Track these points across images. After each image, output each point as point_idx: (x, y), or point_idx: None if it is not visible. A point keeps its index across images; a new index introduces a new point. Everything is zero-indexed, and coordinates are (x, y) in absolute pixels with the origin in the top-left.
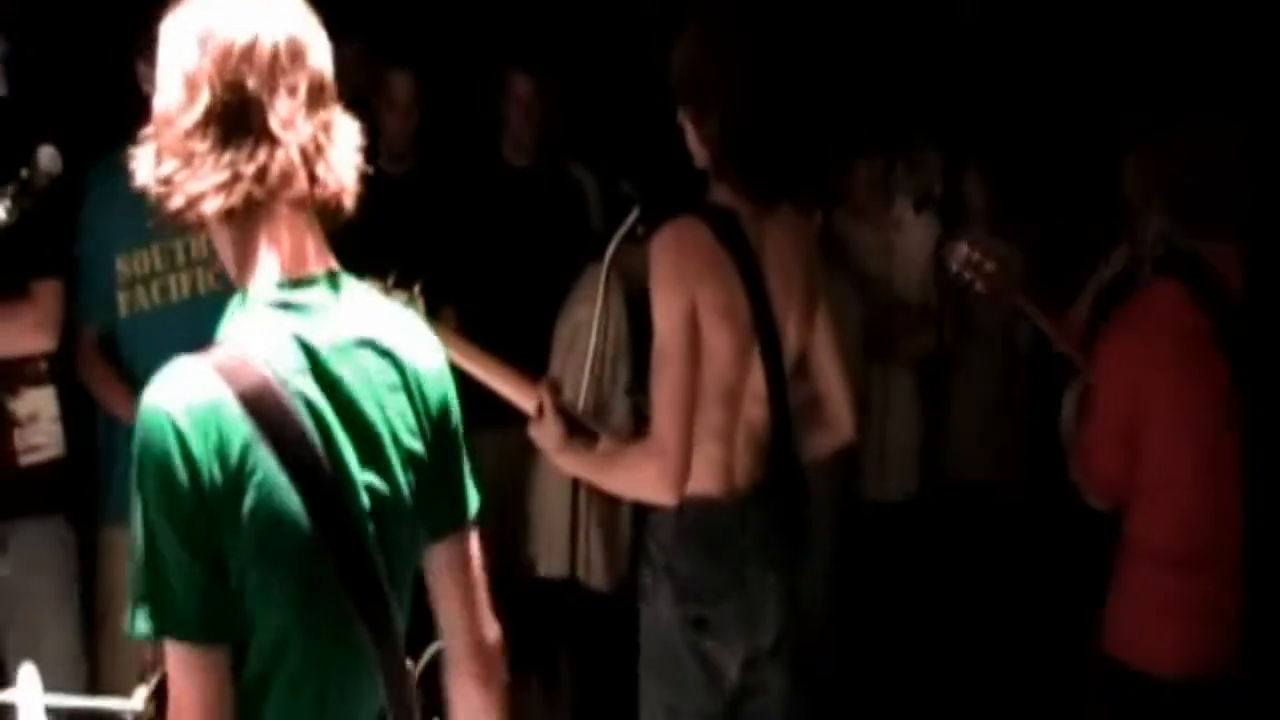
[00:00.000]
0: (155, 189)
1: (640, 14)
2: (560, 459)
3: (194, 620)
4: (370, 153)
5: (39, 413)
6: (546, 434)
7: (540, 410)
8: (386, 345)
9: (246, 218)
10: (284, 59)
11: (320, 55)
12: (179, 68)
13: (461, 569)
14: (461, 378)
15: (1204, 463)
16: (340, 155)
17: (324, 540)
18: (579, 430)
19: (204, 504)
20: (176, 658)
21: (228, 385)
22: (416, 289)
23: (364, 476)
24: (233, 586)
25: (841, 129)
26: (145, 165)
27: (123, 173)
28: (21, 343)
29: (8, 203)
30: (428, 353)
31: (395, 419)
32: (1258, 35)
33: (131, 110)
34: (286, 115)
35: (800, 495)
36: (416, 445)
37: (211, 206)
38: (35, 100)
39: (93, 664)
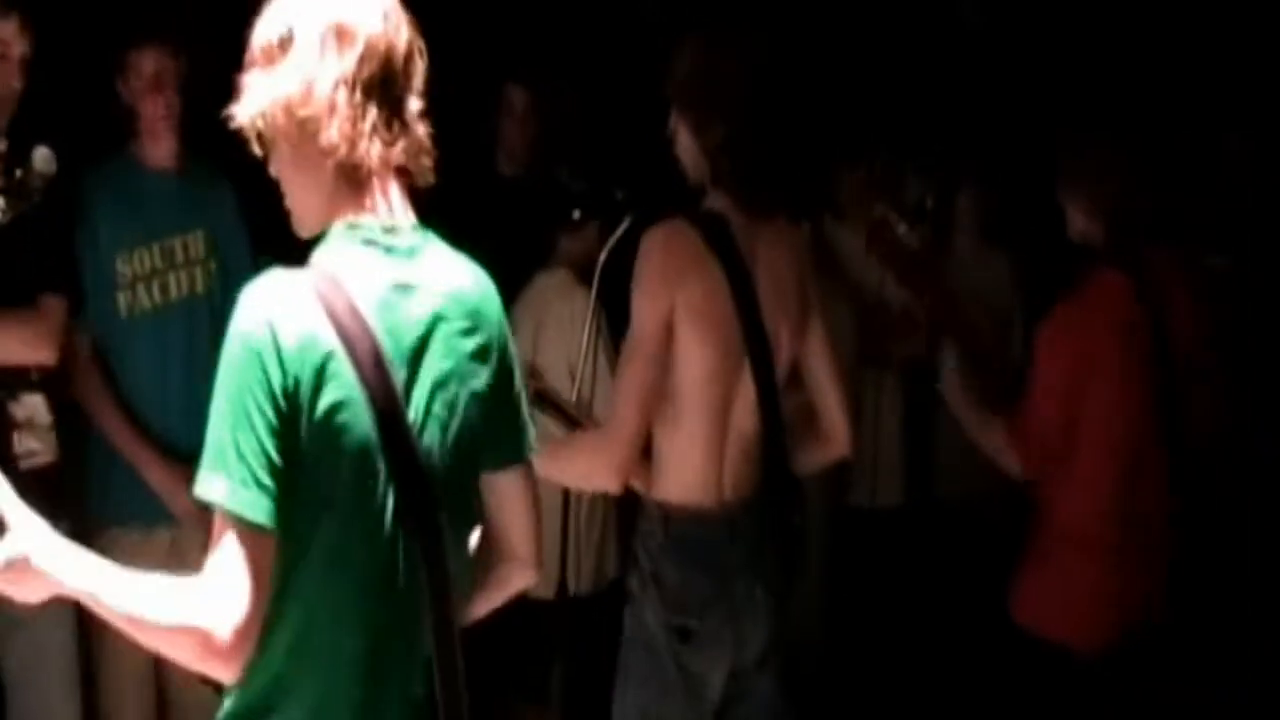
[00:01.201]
0: (279, 120)
1: (639, 22)
2: None
3: (256, 502)
4: None
5: (34, 418)
6: None
7: (571, 425)
8: (461, 290)
9: (356, 175)
10: (415, 54)
11: (424, 60)
12: (337, 23)
13: (524, 491)
14: None
15: (1131, 440)
16: (428, 143)
17: (386, 457)
18: (558, 416)
19: (287, 398)
20: (231, 531)
21: (319, 300)
22: None
23: (432, 406)
24: (300, 481)
25: (832, 137)
26: (264, 88)
27: (120, 173)
28: (23, 354)
29: (1, 203)
30: (494, 303)
31: (464, 359)
32: (1256, 46)
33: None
34: (415, 103)
35: (793, 507)
36: (483, 385)
37: (339, 158)
38: (30, 101)
39: (90, 665)
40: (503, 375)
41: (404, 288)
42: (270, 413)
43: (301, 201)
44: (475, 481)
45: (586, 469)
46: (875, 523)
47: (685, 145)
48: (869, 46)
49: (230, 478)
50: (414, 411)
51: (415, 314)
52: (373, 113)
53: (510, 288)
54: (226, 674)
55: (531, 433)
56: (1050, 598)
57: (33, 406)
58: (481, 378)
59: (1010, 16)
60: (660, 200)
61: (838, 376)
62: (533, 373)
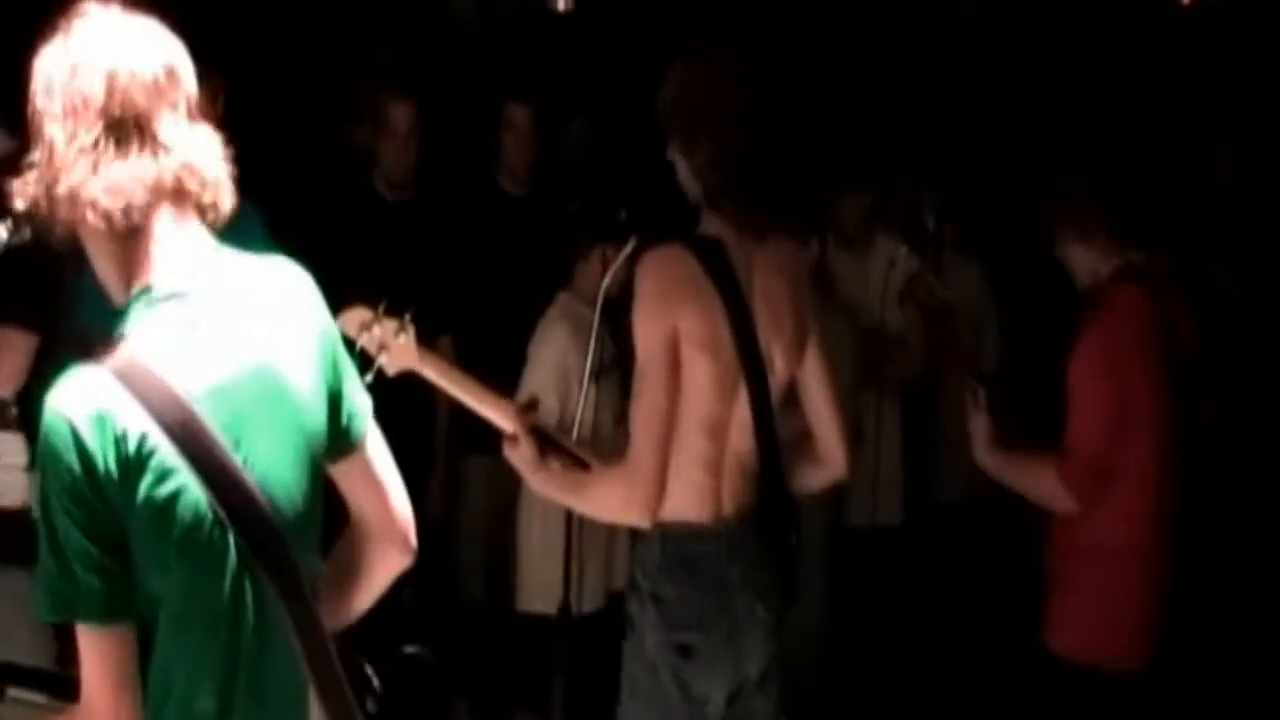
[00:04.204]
0: (49, 204)
1: (641, 42)
2: (534, 479)
3: (99, 602)
4: (368, 179)
5: (5, 457)
6: (520, 454)
7: (514, 431)
8: (267, 306)
9: (136, 226)
10: (163, 79)
11: (189, 77)
12: (68, 93)
13: (371, 470)
14: (454, 405)
15: (1163, 453)
16: (214, 164)
17: (224, 517)
18: (556, 450)
19: (102, 496)
20: (84, 637)
21: (122, 385)
22: (407, 317)
23: (260, 443)
24: (135, 567)
25: (830, 161)
26: (34, 185)
27: None
28: None
29: (9, 223)
30: (307, 299)
31: (284, 381)
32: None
33: None
34: (171, 127)
35: (789, 526)
36: (309, 393)
37: (112, 212)
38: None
39: None
40: (327, 370)
41: (204, 338)
42: (83, 512)
43: (103, 273)
44: (320, 486)
45: (617, 508)
46: (875, 542)
47: (679, 167)
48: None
49: (55, 586)
50: (244, 454)
51: (227, 357)
52: (125, 164)
53: (518, 314)
54: None
55: (364, 410)
56: (1097, 623)
57: (6, 445)
58: (306, 387)
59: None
60: (665, 222)
61: (835, 399)
62: (530, 405)
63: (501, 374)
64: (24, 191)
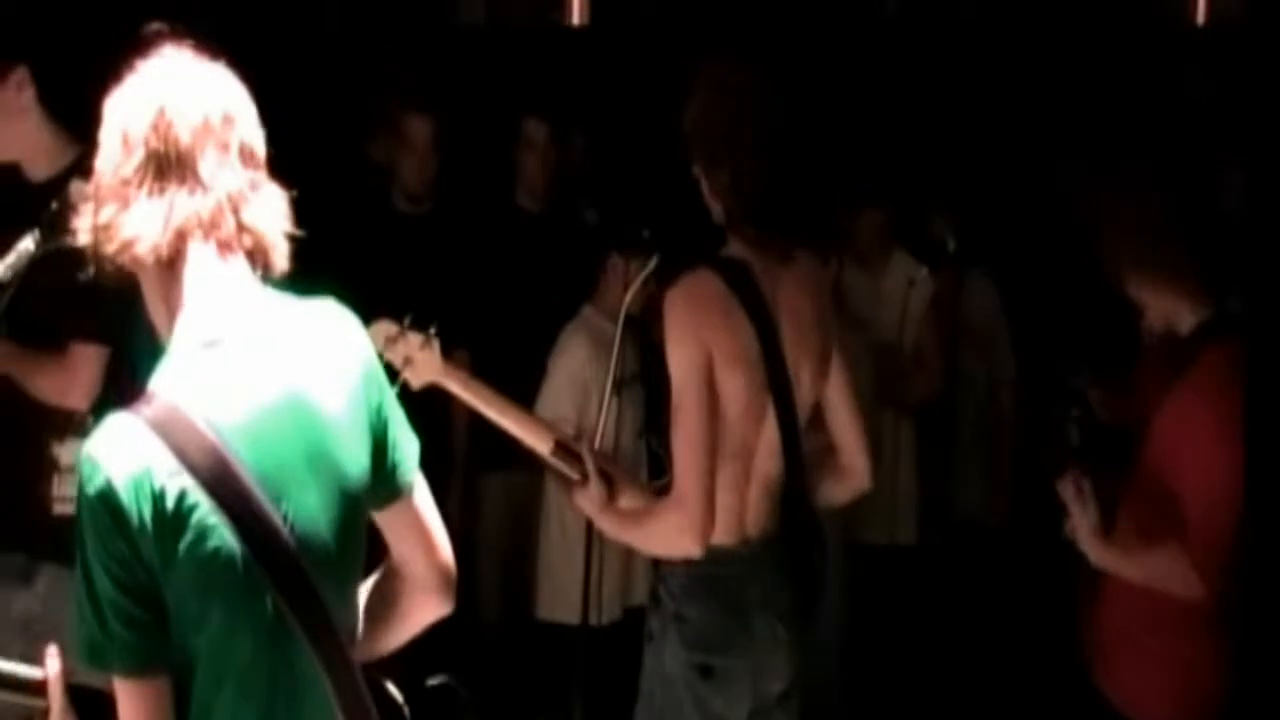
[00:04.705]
0: (94, 235)
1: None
2: (600, 519)
3: (133, 654)
4: (387, 194)
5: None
6: (590, 497)
7: (584, 474)
8: (311, 350)
9: (177, 261)
10: (215, 120)
11: (250, 126)
12: (120, 127)
13: (416, 518)
14: (472, 420)
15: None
16: (268, 213)
17: (261, 572)
18: (578, 465)
19: (137, 552)
20: (121, 689)
21: (160, 438)
22: (432, 330)
23: (304, 494)
24: (171, 620)
25: (846, 179)
26: (85, 217)
27: None
28: (54, 398)
29: (37, 234)
30: (352, 341)
31: (329, 426)
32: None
33: None
34: (215, 166)
35: (814, 545)
36: (354, 440)
37: (144, 246)
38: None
39: None
40: (372, 416)
41: (245, 384)
42: (119, 567)
43: (150, 306)
44: (362, 533)
45: (667, 543)
46: (891, 560)
47: (703, 186)
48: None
49: (92, 636)
50: (285, 507)
51: (267, 406)
52: (162, 200)
53: (537, 330)
54: None
55: (410, 457)
56: (1183, 685)
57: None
58: (350, 435)
59: (1011, 43)
60: (687, 238)
61: (857, 412)
62: (553, 425)
63: (517, 387)
64: (81, 224)
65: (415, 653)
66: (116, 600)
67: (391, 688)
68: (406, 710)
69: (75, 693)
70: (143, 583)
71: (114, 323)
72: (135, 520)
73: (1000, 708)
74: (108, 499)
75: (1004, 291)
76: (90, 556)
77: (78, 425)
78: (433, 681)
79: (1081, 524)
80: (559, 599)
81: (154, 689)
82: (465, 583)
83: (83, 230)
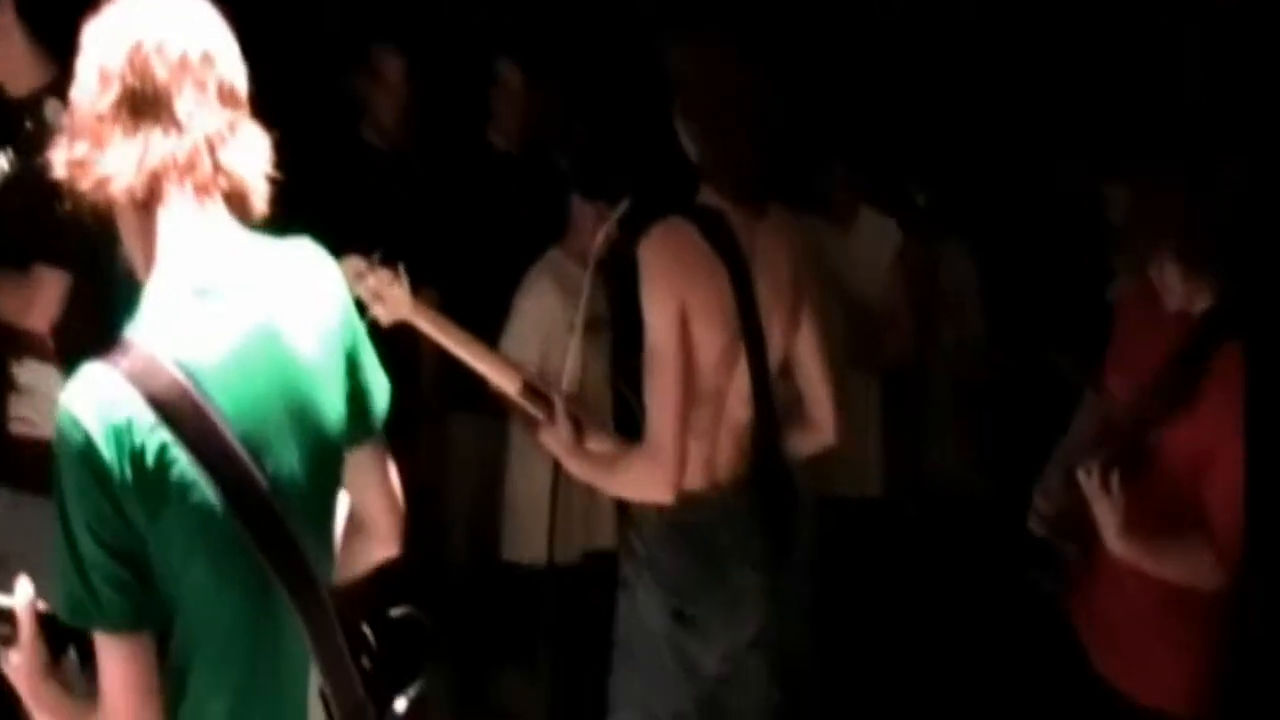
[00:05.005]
0: (68, 170)
1: (639, 13)
2: (569, 462)
3: (115, 611)
4: (360, 130)
5: (37, 388)
6: (558, 438)
7: (552, 415)
8: (289, 293)
9: (152, 203)
10: (194, 58)
11: (231, 64)
12: (96, 60)
13: (378, 463)
14: (440, 359)
15: None
16: (247, 155)
17: (242, 526)
18: (546, 407)
19: (118, 506)
20: (103, 645)
21: (138, 390)
22: (401, 267)
23: (282, 439)
24: (154, 575)
25: (820, 138)
26: (60, 151)
27: None
28: (14, 318)
29: (10, 153)
30: (329, 283)
31: (307, 370)
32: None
33: None
34: (193, 106)
35: (784, 494)
36: (331, 391)
37: (119, 186)
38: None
39: None
40: (348, 356)
41: (223, 329)
42: (100, 525)
43: (128, 245)
44: (339, 481)
45: (639, 488)
46: (857, 512)
47: (682, 136)
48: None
49: (74, 593)
50: (266, 458)
51: (246, 356)
52: (136, 139)
53: (504, 270)
54: None
55: (382, 401)
56: (1192, 668)
57: (40, 375)
58: (328, 377)
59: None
60: (661, 184)
61: (827, 367)
62: (522, 365)
63: (483, 328)
64: (56, 157)
65: (381, 596)
66: (99, 558)
67: (358, 622)
68: (373, 643)
69: (45, 621)
70: (125, 540)
71: (84, 253)
72: (117, 477)
73: (962, 661)
74: (88, 456)
75: (977, 258)
76: (71, 514)
77: (37, 347)
78: (396, 612)
79: (1109, 518)
80: (523, 540)
81: (138, 646)
82: (433, 524)
83: (58, 163)
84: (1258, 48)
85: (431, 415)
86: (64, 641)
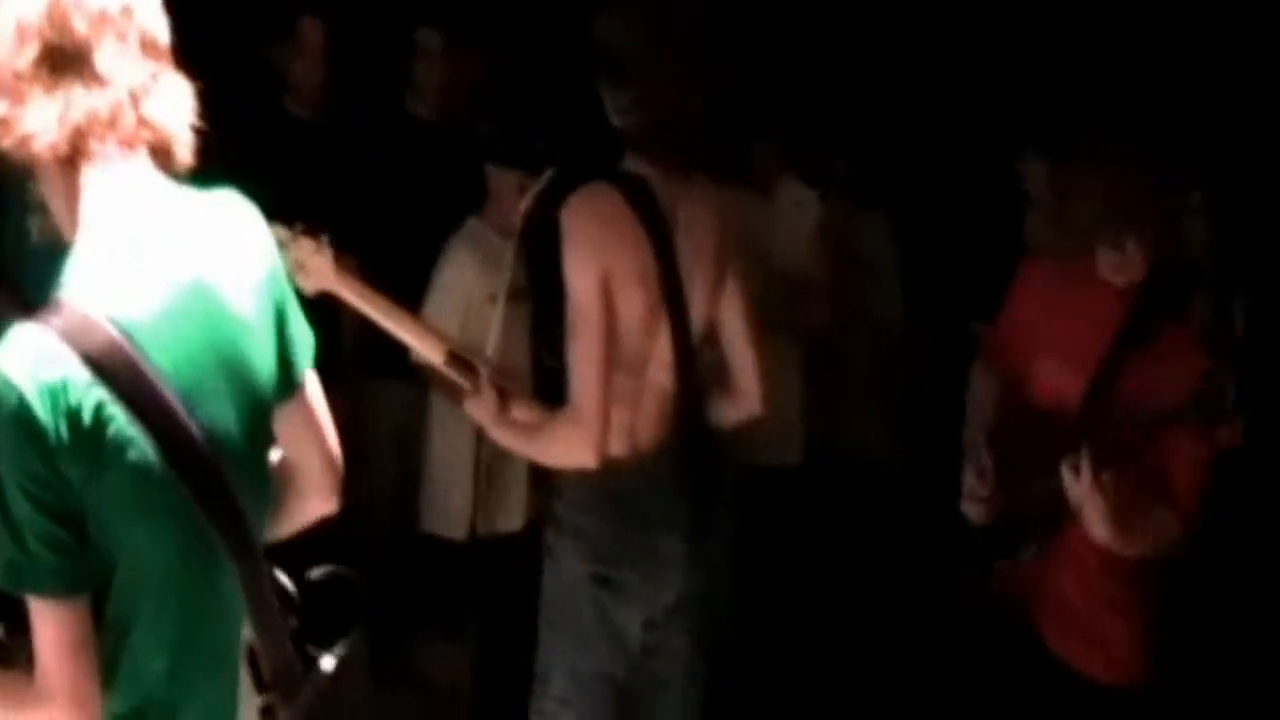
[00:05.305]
0: None
1: None
2: (494, 431)
3: (55, 576)
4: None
5: None
6: (483, 407)
7: (477, 384)
8: (217, 244)
9: (76, 159)
10: (113, 10)
11: (151, 15)
12: (13, 15)
13: (309, 414)
14: (361, 328)
15: None
16: (170, 106)
17: (180, 482)
18: (471, 375)
19: (56, 471)
20: (39, 610)
21: (72, 349)
22: (325, 237)
23: (215, 411)
24: (91, 536)
25: (741, 106)
26: None
27: None
28: None
29: None
30: (254, 233)
31: (237, 321)
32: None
33: None
34: (114, 59)
35: (708, 460)
36: (261, 341)
37: (41, 144)
38: None
39: None
40: (274, 307)
41: (158, 285)
42: (37, 487)
43: (52, 205)
44: (270, 432)
45: (564, 454)
46: (776, 481)
47: (607, 102)
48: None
49: (10, 558)
50: (201, 413)
51: (179, 311)
52: (58, 95)
53: (424, 240)
54: None
55: (307, 351)
56: (1157, 646)
57: None
58: (257, 328)
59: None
60: (583, 151)
61: (753, 336)
62: (446, 334)
63: (403, 297)
64: None
65: (303, 565)
66: (36, 522)
67: (284, 579)
68: (298, 602)
69: None
70: (63, 503)
71: None
72: (53, 438)
73: (882, 629)
74: (23, 418)
75: (897, 227)
76: (6, 478)
77: None
78: (323, 571)
79: (1099, 513)
80: (442, 513)
81: (75, 609)
82: (353, 493)
83: None
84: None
85: (352, 383)
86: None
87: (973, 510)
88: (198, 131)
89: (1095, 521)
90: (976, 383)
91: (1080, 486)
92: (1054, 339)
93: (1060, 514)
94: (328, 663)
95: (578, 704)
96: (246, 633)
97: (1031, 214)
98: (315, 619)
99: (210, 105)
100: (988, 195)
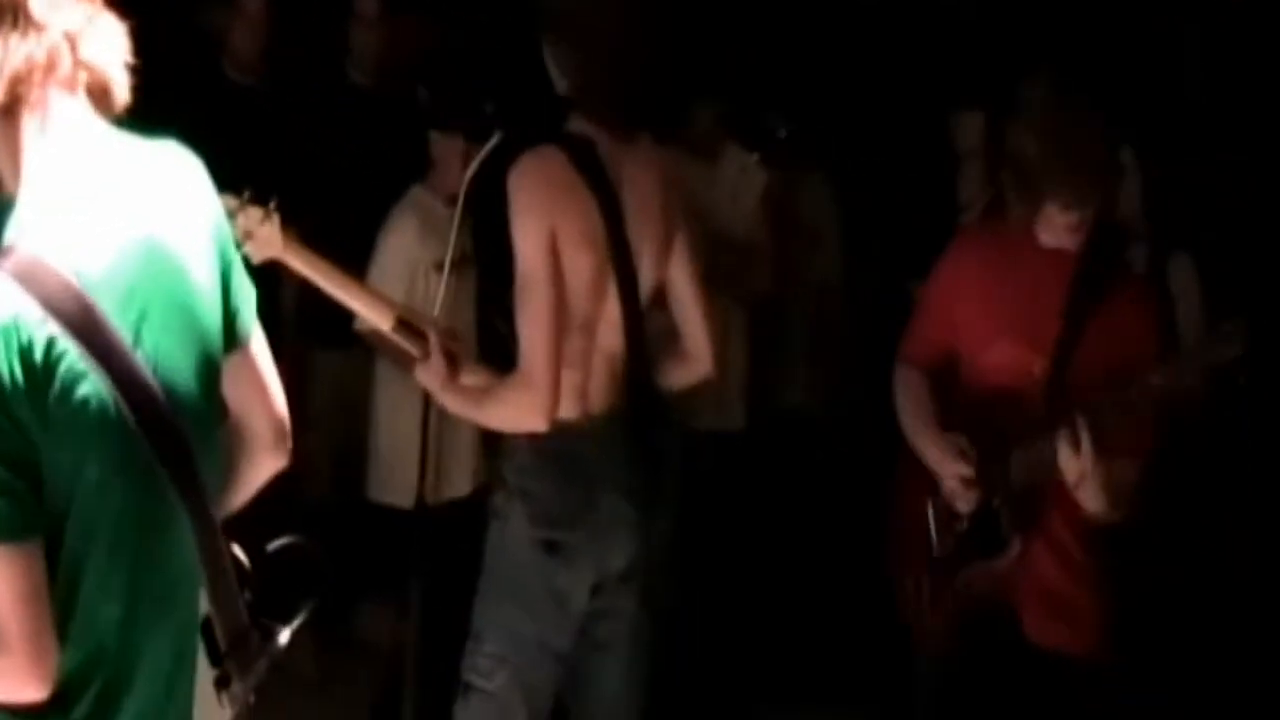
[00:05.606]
0: None
1: None
2: (443, 397)
3: (9, 523)
4: (219, 64)
5: None
6: (433, 373)
7: (426, 351)
8: (163, 194)
9: (15, 107)
10: None
11: None
12: None
13: (254, 369)
14: (303, 296)
15: None
16: (106, 47)
17: (132, 419)
18: (419, 341)
19: (9, 412)
20: None
21: (26, 290)
22: (272, 205)
23: (165, 352)
24: (44, 480)
25: (682, 70)
26: None
27: None
28: None
29: None
30: (198, 185)
31: (187, 282)
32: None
33: None
34: (49, 4)
35: (657, 424)
36: (207, 290)
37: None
38: None
39: None
40: (218, 257)
41: (99, 227)
42: None
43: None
44: (219, 384)
45: (514, 418)
46: (718, 446)
47: (550, 65)
48: None
49: None
50: (147, 351)
51: (127, 254)
52: None
53: (364, 205)
54: (44, 692)
55: (250, 304)
56: (1101, 616)
57: None
58: (203, 277)
59: None
60: (530, 115)
61: (701, 298)
62: (395, 301)
63: (347, 265)
64: None
65: (247, 534)
66: None
67: (238, 551)
68: (251, 574)
69: None
70: (16, 446)
71: None
72: (6, 378)
73: (826, 589)
74: None
75: (837, 189)
76: None
77: None
78: (276, 545)
79: (1098, 479)
80: (388, 481)
81: (30, 555)
82: (296, 461)
83: None
84: None
85: (293, 354)
86: None
87: (962, 500)
88: (134, 84)
89: (1094, 492)
90: (903, 379)
91: (1082, 459)
92: (1001, 314)
93: (1036, 496)
94: (284, 635)
95: (515, 663)
96: (204, 604)
97: (965, 170)
98: (269, 590)
99: (149, 73)
100: (922, 155)
